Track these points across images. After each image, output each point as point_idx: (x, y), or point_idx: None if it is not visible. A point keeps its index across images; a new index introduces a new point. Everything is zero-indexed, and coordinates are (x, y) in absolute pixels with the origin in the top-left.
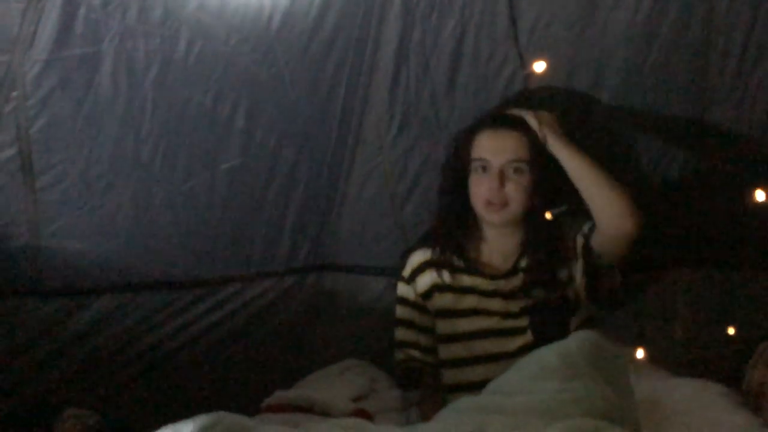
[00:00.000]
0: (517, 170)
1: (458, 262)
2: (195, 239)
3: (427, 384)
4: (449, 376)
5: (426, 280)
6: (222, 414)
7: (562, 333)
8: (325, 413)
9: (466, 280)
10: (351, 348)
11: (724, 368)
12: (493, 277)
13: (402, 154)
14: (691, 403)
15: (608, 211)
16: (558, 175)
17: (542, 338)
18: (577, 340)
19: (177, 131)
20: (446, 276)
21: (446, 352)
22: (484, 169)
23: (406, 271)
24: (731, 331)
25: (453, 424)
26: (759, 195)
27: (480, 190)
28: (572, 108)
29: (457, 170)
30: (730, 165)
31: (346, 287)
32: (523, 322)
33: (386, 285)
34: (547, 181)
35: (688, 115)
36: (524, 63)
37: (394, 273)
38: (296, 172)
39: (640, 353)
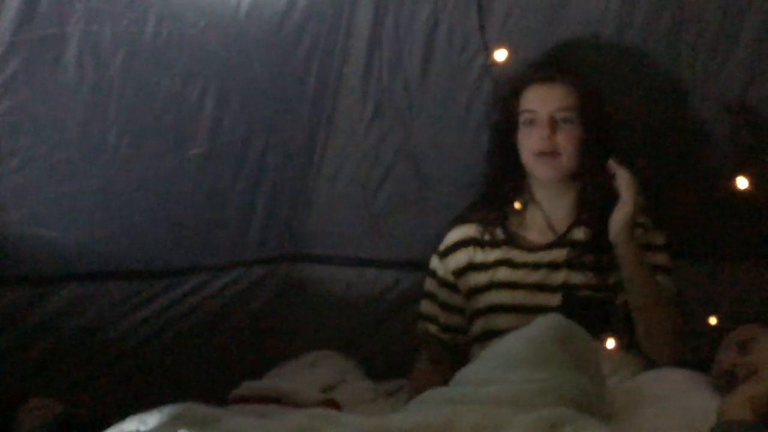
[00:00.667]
0: (567, 120)
1: (499, 236)
2: (162, 227)
3: (424, 366)
4: (476, 351)
5: (460, 258)
6: (189, 405)
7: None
8: (294, 403)
9: (501, 253)
10: (321, 339)
11: (703, 357)
12: (533, 248)
13: (375, 143)
14: (666, 389)
15: (647, 335)
16: (610, 132)
17: None
18: (546, 326)
19: (144, 116)
20: (480, 253)
21: (478, 326)
22: (533, 121)
23: (442, 246)
24: (713, 321)
25: (423, 416)
26: (741, 182)
27: (530, 141)
28: None
29: (505, 127)
30: (702, 155)
31: (317, 277)
32: (555, 300)
33: (358, 275)
34: (600, 135)
35: (659, 106)
36: (489, 53)
37: (365, 263)
38: (266, 160)
39: (610, 343)
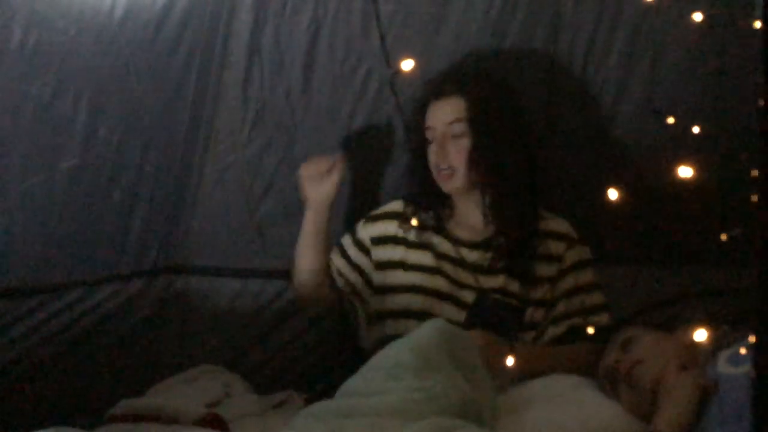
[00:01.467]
0: (457, 134)
1: (429, 221)
2: (32, 243)
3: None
4: (383, 328)
5: (383, 228)
6: (60, 429)
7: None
8: (175, 420)
9: (427, 237)
10: (204, 353)
11: None
12: (458, 242)
13: (257, 152)
14: (557, 389)
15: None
16: (508, 141)
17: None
18: (430, 333)
19: (11, 128)
20: (405, 230)
21: (382, 303)
22: (433, 138)
23: (373, 212)
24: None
25: (308, 430)
26: (611, 194)
27: (431, 158)
28: None
29: (415, 140)
30: (576, 163)
31: (199, 289)
32: (467, 297)
33: (241, 287)
34: (496, 143)
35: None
36: (389, 62)
37: (249, 274)
38: (143, 170)
39: (510, 361)
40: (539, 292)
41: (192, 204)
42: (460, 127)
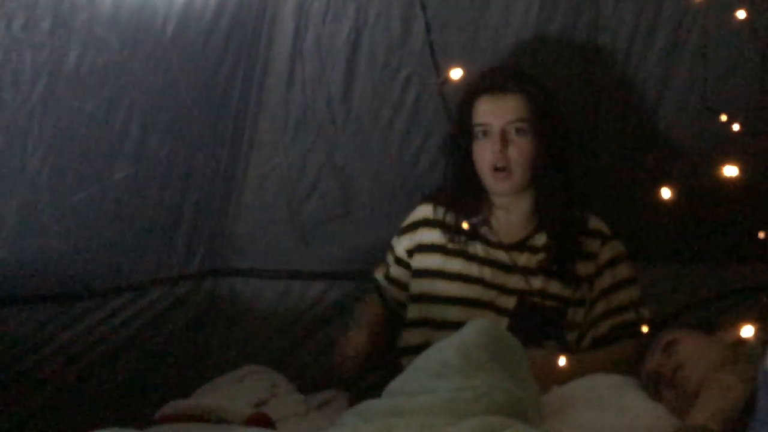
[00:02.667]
0: (519, 131)
1: (462, 226)
2: (84, 250)
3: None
4: (416, 335)
5: (420, 236)
6: (112, 430)
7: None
8: (222, 420)
9: (464, 243)
10: (250, 353)
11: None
12: (494, 245)
13: (299, 156)
14: (600, 392)
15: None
16: (564, 138)
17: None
18: (475, 333)
19: (67, 143)
20: (441, 236)
21: (418, 311)
22: (486, 133)
23: (405, 222)
24: (645, 329)
25: (356, 430)
26: (664, 193)
27: (484, 155)
28: None
29: (460, 139)
30: (617, 162)
31: (244, 291)
32: (509, 302)
33: (285, 288)
34: (553, 144)
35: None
36: (438, 70)
37: (292, 276)
38: (191, 177)
39: (562, 361)
40: (579, 292)
41: (236, 208)
42: (521, 125)
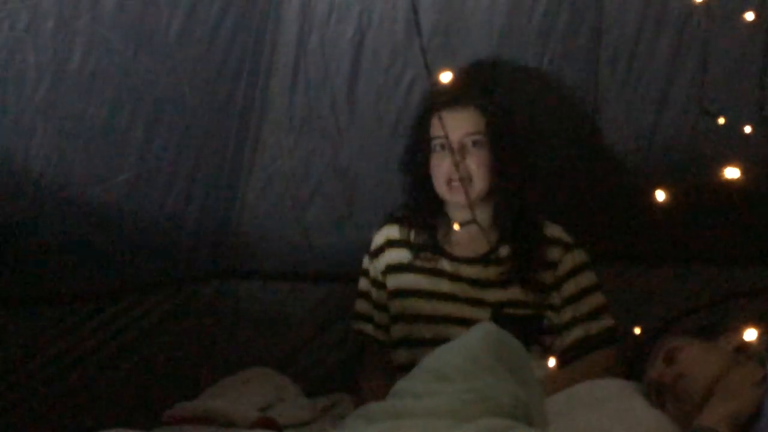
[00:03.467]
0: (476, 143)
1: (425, 242)
2: (88, 252)
3: (370, 364)
4: (399, 356)
5: (388, 257)
6: (119, 430)
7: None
8: (229, 423)
9: (431, 261)
10: (255, 355)
11: (628, 365)
12: (461, 260)
13: (303, 158)
14: (604, 394)
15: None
16: (519, 151)
17: None
18: (479, 336)
19: (70, 145)
20: (408, 255)
21: (398, 331)
22: (443, 146)
23: (372, 246)
24: (637, 330)
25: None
26: (659, 195)
27: (441, 168)
28: None
29: (417, 151)
30: (621, 164)
31: (248, 293)
32: (485, 315)
33: (290, 290)
34: (509, 155)
35: (580, 116)
36: (429, 73)
37: (297, 277)
38: (195, 179)
39: (551, 362)
40: (548, 299)
41: (241, 209)
42: (477, 138)
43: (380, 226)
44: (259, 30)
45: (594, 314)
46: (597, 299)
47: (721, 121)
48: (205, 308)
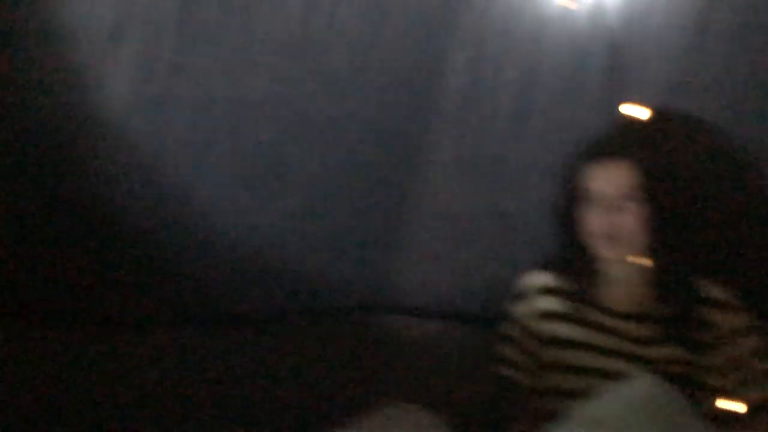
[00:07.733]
0: (632, 198)
1: (581, 293)
2: (238, 276)
3: (518, 410)
4: (547, 404)
5: (541, 304)
6: None
7: None
8: None
9: (587, 313)
10: (400, 391)
11: None
12: (617, 315)
13: (463, 197)
14: None
15: None
16: (684, 204)
17: None
18: (640, 388)
19: (237, 170)
20: (564, 305)
21: (550, 380)
22: (595, 200)
23: (522, 291)
24: None
25: None
26: None
27: (591, 222)
28: None
29: (569, 202)
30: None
31: (398, 328)
32: (644, 371)
33: (441, 328)
34: (667, 213)
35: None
36: None
37: (449, 316)
38: (359, 213)
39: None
40: (708, 359)
41: (399, 245)
42: (630, 193)
43: (531, 271)
44: (434, 72)
45: (758, 380)
46: (763, 362)
47: None
48: (353, 340)
